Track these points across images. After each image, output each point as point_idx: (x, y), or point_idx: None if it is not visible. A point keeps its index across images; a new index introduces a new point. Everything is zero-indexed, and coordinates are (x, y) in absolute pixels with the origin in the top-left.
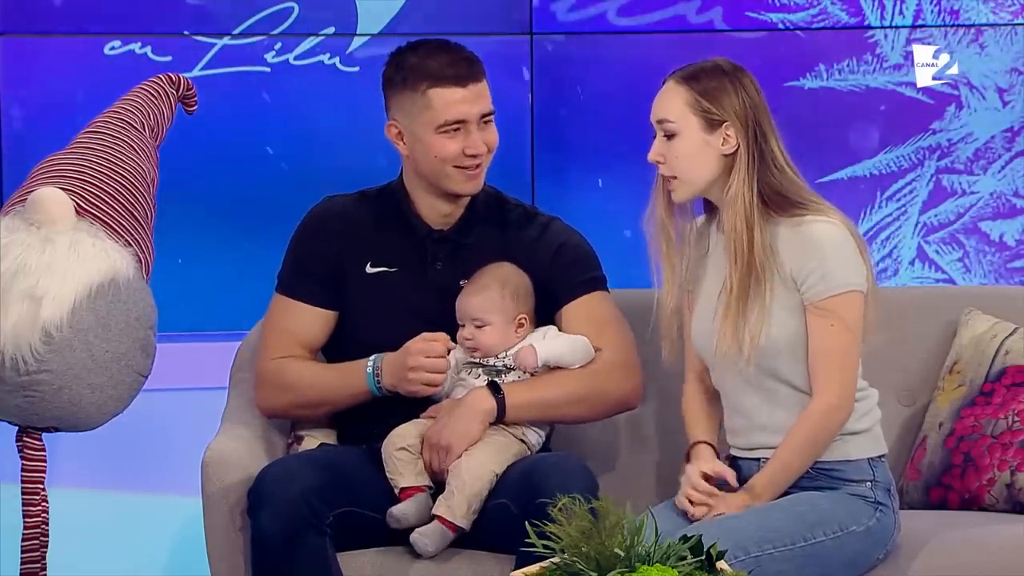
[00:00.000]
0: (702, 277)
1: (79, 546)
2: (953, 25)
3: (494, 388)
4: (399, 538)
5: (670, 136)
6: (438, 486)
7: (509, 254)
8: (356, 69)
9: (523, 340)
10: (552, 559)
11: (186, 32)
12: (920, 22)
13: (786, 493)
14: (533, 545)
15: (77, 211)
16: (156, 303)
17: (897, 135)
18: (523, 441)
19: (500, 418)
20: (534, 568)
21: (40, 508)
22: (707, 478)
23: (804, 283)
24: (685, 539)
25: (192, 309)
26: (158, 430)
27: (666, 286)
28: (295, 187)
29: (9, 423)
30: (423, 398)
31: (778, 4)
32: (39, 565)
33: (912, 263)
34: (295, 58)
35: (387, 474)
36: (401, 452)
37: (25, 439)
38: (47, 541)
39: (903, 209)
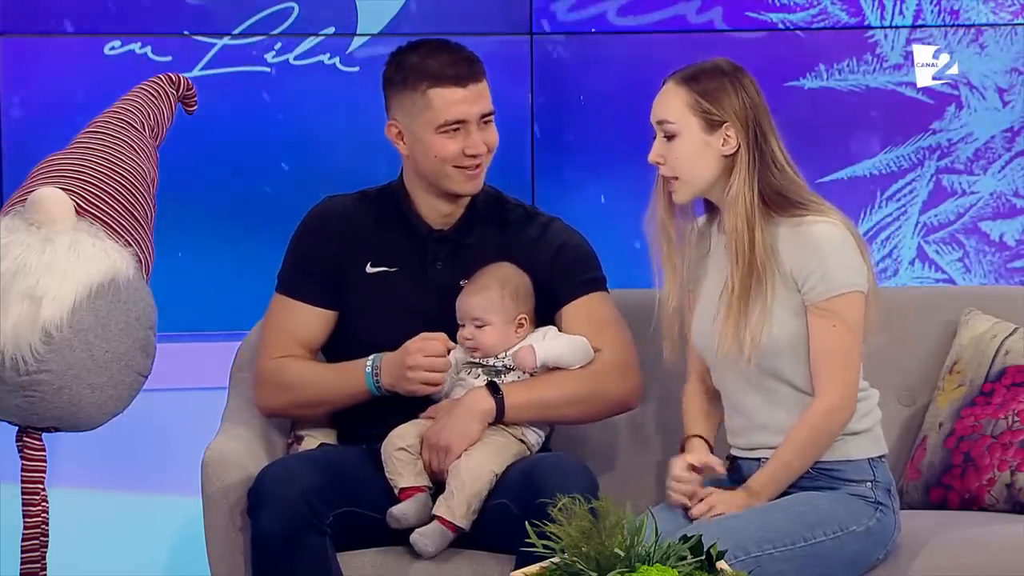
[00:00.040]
0: (703, 277)
1: (79, 546)
2: (953, 25)
3: (493, 388)
4: (399, 538)
5: (670, 137)
6: (438, 486)
7: (509, 254)
8: (356, 69)
9: (523, 340)
10: (552, 559)
11: (186, 32)
12: (920, 22)
13: (786, 493)
14: (533, 545)
15: (77, 211)
16: (156, 303)
17: (897, 135)
18: (522, 441)
19: (499, 418)
20: (534, 568)
21: (40, 508)
22: (697, 470)
23: (805, 284)
24: (685, 539)
25: (192, 309)
26: (158, 430)
27: (667, 286)
28: (295, 187)
29: (9, 423)
30: (422, 398)
31: (778, 4)
32: (39, 565)
33: (912, 263)
34: (295, 58)
35: (387, 474)
36: (400, 452)
37: (25, 439)
38: (47, 541)
39: (903, 209)
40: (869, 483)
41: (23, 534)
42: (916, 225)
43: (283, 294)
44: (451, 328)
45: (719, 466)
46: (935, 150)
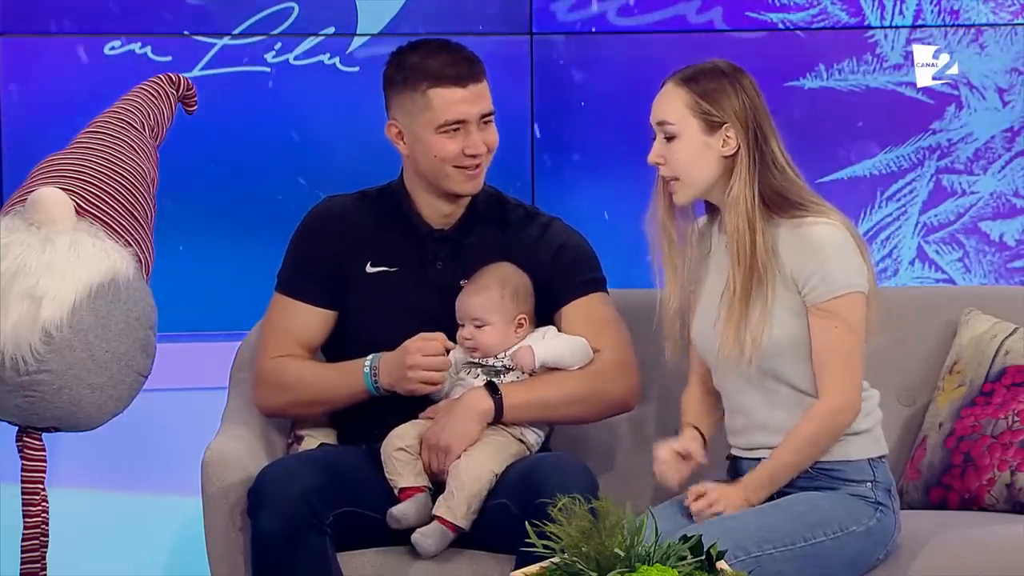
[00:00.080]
0: (704, 278)
1: (79, 546)
2: (953, 25)
3: (492, 388)
4: (399, 538)
5: (670, 138)
6: (438, 486)
7: (509, 254)
8: (356, 69)
9: (522, 340)
10: (552, 559)
11: (186, 32)
12: (920, 22)
13: (786, 493)
14: (533, 545)
15: (77, 211)
16: (156, 303)
17: (897, 135)
18: (522, 441)
19: (498, 418)
20: (534, 568)
21: (40, 508)
22: (682, 457)
23: (805, 285)
24: (685, 539)
25: (192, 309)
26: (158, 430)
27: (668, 287)
28: (295, 187)
29: (9, 423)
30: (422, 398)
31: (778, 4)
32: (39, 565)
33: (912, 263)
34: (295, 58)
35: (386, 474)
36: (400, 452)
37: (25, 439)
38: (47, 541)
39: (903, 209)
40: (869, 483)
41: (23, 534)
42: (916, 225)
43: (283, 294)
44: (451, 328)
45: (700, 456)
46: (935, 150)
